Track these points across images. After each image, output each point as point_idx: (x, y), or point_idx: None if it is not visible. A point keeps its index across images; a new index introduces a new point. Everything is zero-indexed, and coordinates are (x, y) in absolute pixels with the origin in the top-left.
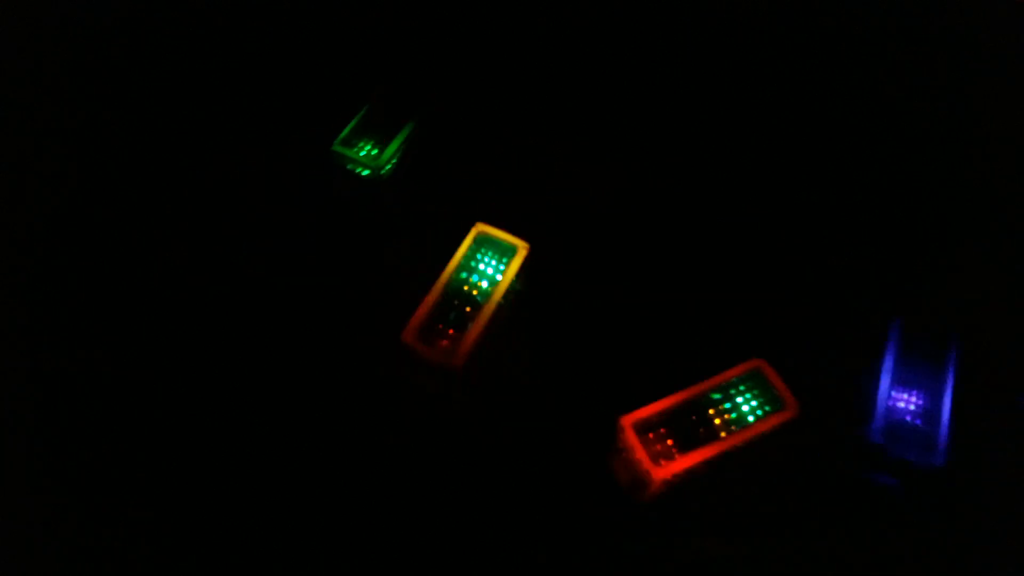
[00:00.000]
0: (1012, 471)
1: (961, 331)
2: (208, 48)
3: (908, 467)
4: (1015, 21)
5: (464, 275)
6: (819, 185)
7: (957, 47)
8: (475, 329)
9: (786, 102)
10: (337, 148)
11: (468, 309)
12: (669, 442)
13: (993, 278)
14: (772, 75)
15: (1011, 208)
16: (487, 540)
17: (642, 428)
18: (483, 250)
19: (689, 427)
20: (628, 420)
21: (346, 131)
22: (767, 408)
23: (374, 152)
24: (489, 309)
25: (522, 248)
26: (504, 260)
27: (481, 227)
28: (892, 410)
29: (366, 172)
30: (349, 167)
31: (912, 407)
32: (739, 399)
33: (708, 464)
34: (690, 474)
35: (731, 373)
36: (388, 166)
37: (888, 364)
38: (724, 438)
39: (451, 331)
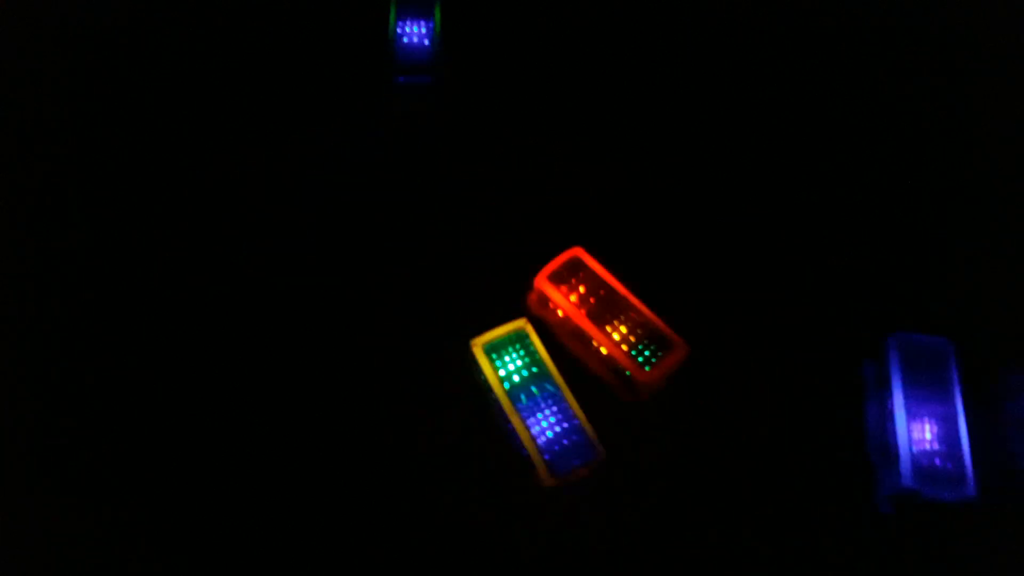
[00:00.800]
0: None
1: (957, 340)
2: (207, 47)
3: (942, 505)
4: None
5: (508, 385)
6: (810, 187)
7: (953, 48)
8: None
9: (787, 104)
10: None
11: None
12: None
13: (986, 282)
14: (770, 77)
15: (1000, 210)
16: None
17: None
18: (496, 355)
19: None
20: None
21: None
22: None
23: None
24: (568, 394)
25: (526, 324)
26: (521, 347)
27: (478, 341)
28: (914, 450)
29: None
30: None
31: (928, 436)
32: None
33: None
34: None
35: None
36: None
37: (898, 398)
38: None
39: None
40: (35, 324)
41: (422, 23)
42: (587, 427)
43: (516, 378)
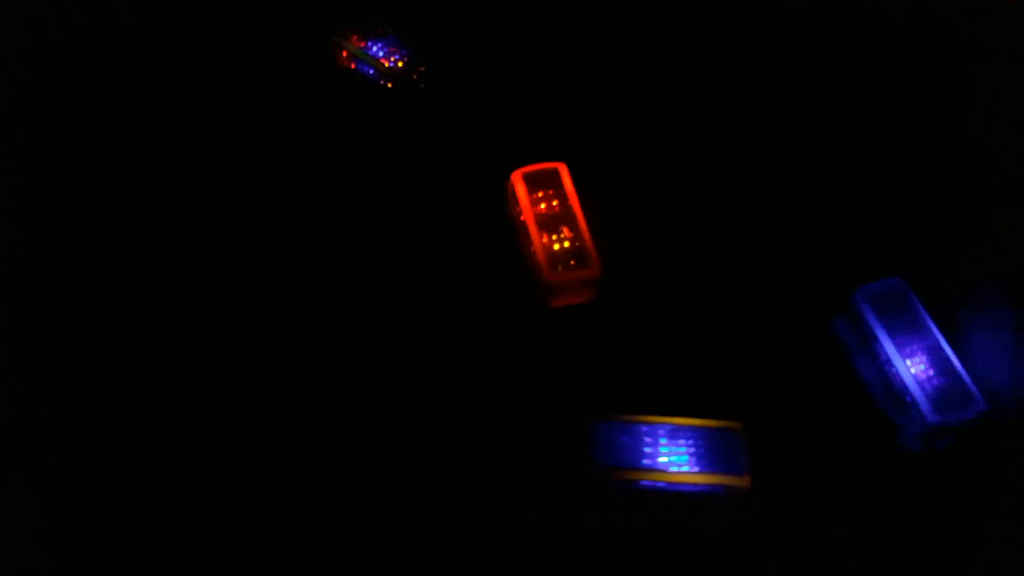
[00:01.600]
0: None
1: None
2: (206, 47)
3: (967, 425)
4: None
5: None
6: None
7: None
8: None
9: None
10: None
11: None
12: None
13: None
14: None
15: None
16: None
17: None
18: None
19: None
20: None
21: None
22: None
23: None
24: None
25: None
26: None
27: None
28: (921, 385)
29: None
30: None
31: (926, 371)
32: None
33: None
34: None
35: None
36: None
37: (889, 346)
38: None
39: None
40: (35, 324)
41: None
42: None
43: (543, 206)
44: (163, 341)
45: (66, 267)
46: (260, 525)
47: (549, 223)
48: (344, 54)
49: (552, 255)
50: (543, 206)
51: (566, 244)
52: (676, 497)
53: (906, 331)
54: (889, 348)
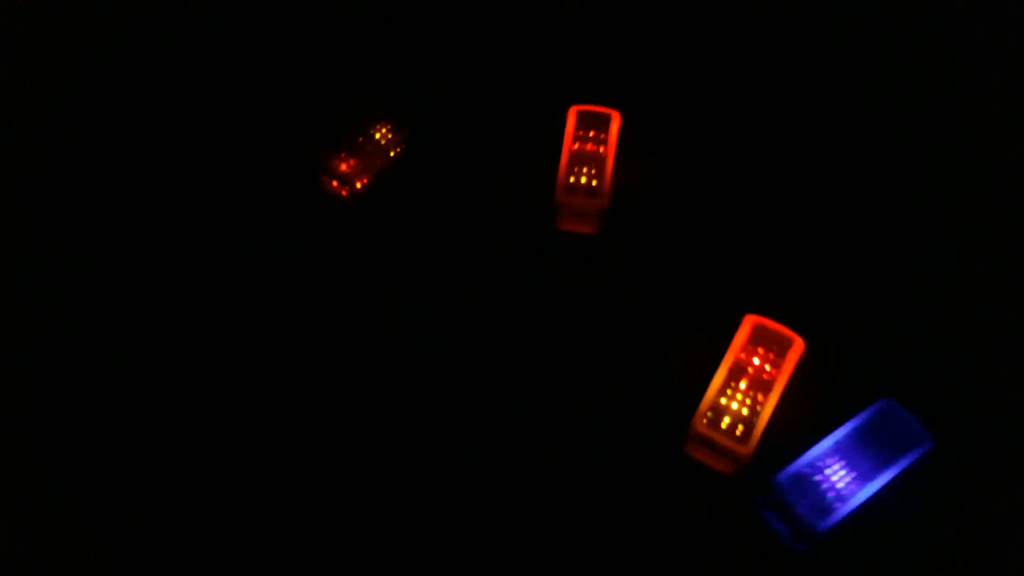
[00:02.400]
0: None
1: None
2: (206, 47)
3: (793, 519)
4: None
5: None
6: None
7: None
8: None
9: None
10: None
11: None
12: None
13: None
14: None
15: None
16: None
17: None
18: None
19: None
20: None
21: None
22: None
23: None
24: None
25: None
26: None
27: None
28: (815, 468)
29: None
30: None
31: (836, 479)
32: None
33: None
34: None
35: None
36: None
37: (842, 432)
38: None
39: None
40: (34, 324)
41: None
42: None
43: (587, 145)
44: (163, 341)
45: (66, 267)
46: (260, 525)
47: (582, 159)
48: None
49: (570, 185)
50: (587, 145)
51: (586, 180)
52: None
53: (872, 451)
54: (840, 432)
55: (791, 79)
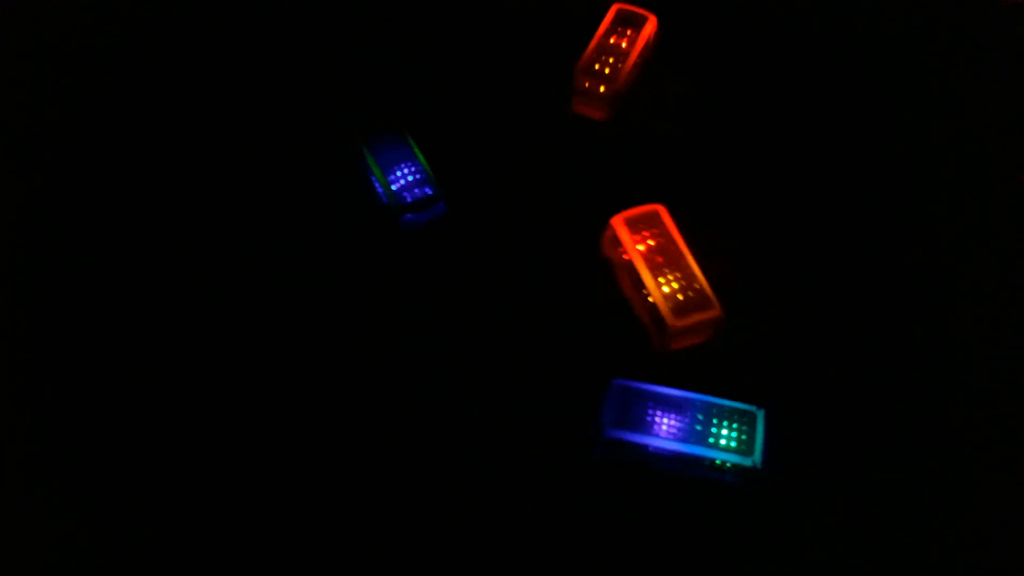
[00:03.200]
0: None
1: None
2: (206, 47)
3: (600, 416)
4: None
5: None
6: None
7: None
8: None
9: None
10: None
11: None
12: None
13: None
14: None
15: None
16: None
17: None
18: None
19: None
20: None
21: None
22: None
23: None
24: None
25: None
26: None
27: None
28: (653, 398)
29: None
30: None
31: (659, 420)
32: None
33: None
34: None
35: None
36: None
37: (704, 398)
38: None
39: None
40: (35, 324)
41: (406, 166)
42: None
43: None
44: (163, 341)
45: (66, 267)
46: (260, 524)
47: (608, 51)
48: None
49: (591, 69)
50: (620, 40)
51: (608, 70)
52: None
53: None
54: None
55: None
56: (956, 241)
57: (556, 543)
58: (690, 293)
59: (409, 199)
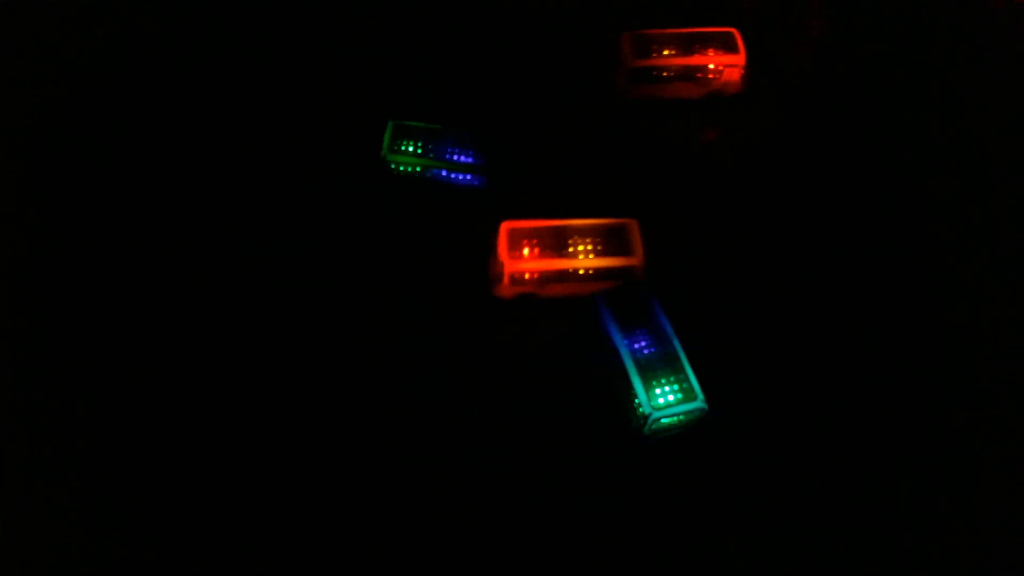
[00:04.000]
0: None
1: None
2: (208, 48)
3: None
4: None
5: None
6: None
7: None
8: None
9: None
10: (387, 156)
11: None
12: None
13: None
14: None
15: None
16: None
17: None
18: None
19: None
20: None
21: (387, 141)
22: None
23: (418, 150)
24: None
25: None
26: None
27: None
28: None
29: (418, 168)
30: (399, 169)
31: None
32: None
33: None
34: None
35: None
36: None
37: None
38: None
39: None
40: (35, 324)
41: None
42: None
43: None
44: (163, 341)
45: (66, 267)
46: (260, 523)
47: (562, 250)
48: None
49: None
50: (539, 253)
51: (596, 239)
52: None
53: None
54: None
55: None
56: (955, 243)
57: (555, 543)
58: None
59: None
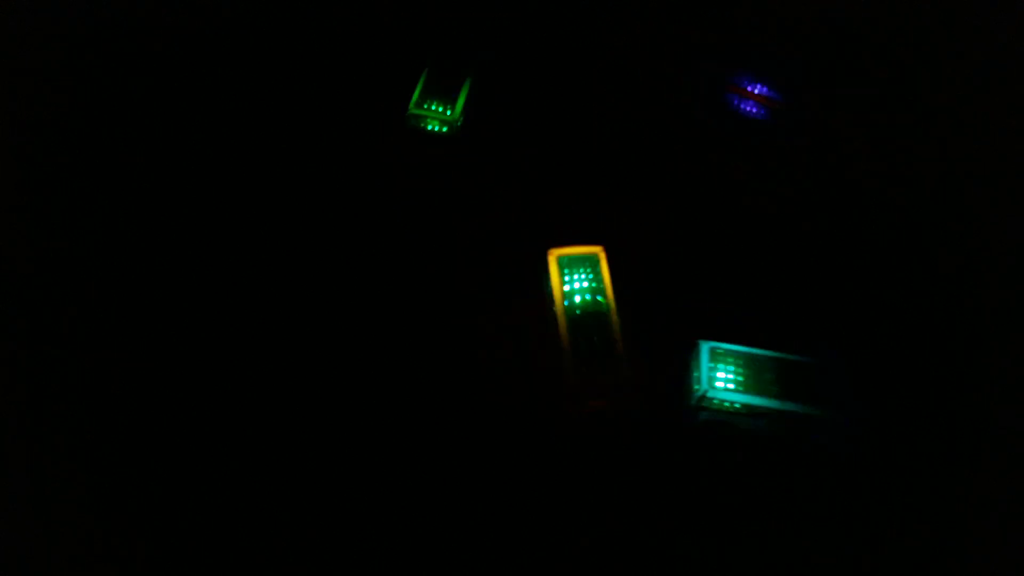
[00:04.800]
0: None
1: None
2: (209, 48)
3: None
4: None
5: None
6: None
7: None
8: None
9: None
10: (413, 111)
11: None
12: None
13: None
14: None
15: None
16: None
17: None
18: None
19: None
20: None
21: (415, 96)
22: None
23: (447, 111)
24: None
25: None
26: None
27: (556, 252)
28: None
29: (444, 128)
30: (427, 126)
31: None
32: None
33: None
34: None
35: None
36: (460, 119)
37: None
38: None
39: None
40: (36, 324)
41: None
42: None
43: (577, 298)
44: (164, 340)
45: (67, 267)
46: (260, 523)
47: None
48: None
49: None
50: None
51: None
52: None
53: None
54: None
55: None
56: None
57: (555, 543)
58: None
59: None
